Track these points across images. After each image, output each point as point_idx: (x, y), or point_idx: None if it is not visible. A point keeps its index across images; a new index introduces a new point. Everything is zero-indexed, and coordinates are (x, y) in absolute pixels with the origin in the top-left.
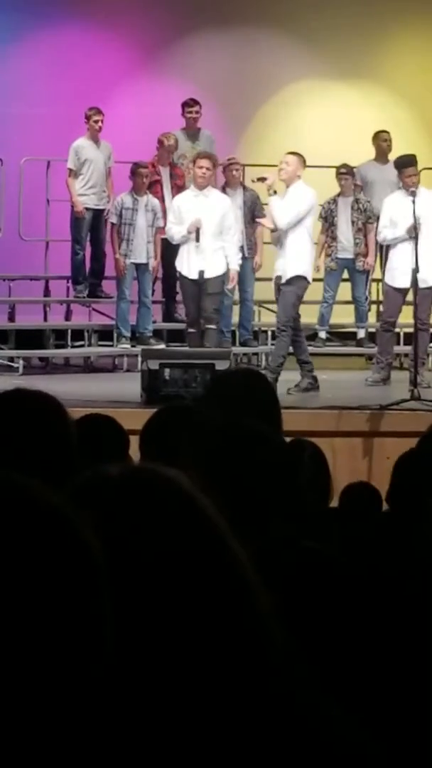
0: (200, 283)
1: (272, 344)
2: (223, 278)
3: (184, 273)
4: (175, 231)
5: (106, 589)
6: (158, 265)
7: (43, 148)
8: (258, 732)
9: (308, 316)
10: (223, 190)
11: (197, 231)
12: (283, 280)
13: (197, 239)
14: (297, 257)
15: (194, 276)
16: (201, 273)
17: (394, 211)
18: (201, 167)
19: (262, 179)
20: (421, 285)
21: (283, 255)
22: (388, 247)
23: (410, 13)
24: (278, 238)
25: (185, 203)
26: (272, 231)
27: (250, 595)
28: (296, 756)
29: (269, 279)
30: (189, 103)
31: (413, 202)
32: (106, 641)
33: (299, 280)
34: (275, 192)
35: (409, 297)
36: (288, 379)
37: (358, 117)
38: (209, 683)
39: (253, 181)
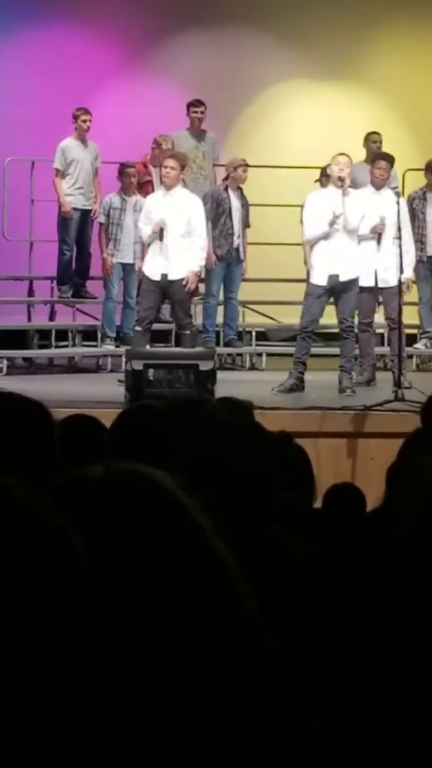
0: (162, 285)
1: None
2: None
3: (147, 273)
4: (144, 231)
5: (92, 593)
6: None
7: (27, 149)
8: (241, 732)
9: (291, 317)
10: (225, 189)
11: (161, 230)
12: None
13: (161, 238)
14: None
15: (157, 278)
16: (164, 275)
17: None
18: (167, 167)
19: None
20: (381, 285)
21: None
22: None
23: (397, 14)
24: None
25: (154, 203)
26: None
27: (235, 595)
28: (278, 756)
29: (256, 280)
30: (194, 104)
31: (397, 202)
32: (91, 644)
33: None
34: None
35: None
36: (277, 379)
37: (343, 118)
38: (193, 683)
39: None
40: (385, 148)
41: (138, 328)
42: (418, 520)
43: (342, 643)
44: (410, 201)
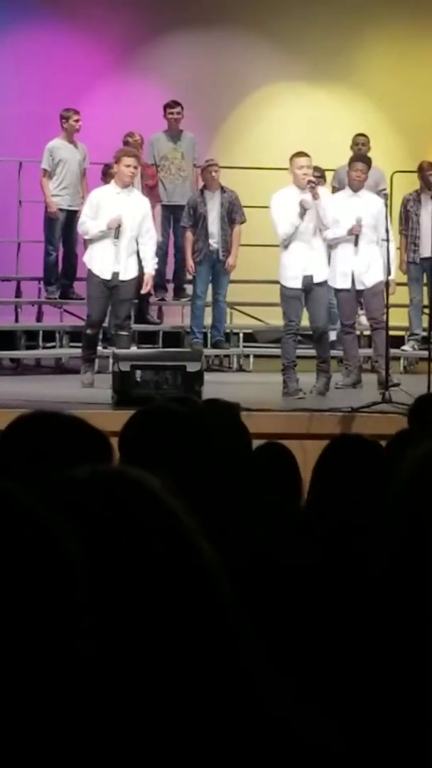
0: (112, 285)
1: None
2: (135, 283)
3: (96, 272)
4: (92, 225)
5: (85, 595)
6: None
7: (15, 149)
8: (227, 730)
9: (280, 318)
10: (202, 191)
11: (117, 228)
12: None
13: (116, 236)
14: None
15: (107, 276)
16: (115, 275)
17: (336, 211)
18: (128, 165)
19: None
20: (359, 287)
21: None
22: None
23: (384, 16)
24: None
25: (106, 199)
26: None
27: (219, 595)
28: (264, 753)
29: (243, 281)
30: (170, 105)
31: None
32: (84, 643)
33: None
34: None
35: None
36: (265, 381)
37: (331, 120)
38: (180, 682)
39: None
40: (373, 151)
41: (89, 332)
42: (401, 511)
43: (328, 642)
44: (404, 203)
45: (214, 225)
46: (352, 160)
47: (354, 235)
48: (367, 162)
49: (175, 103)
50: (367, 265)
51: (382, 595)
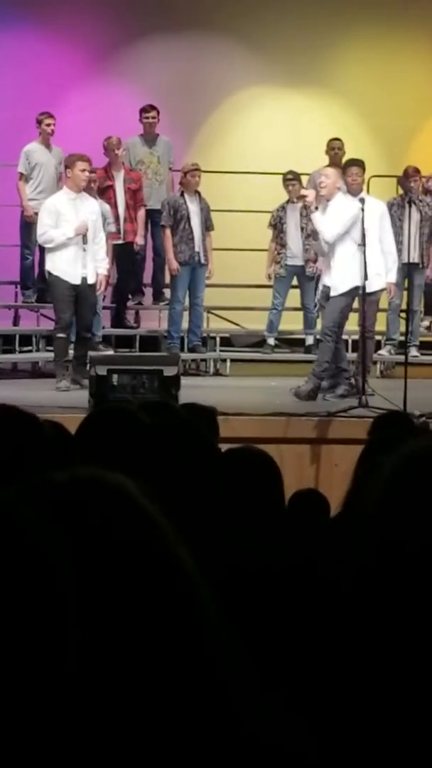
0: (80, 289)
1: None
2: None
3: (66, 277)
4: (56, 234)
5: (74, 603)
6: (110, 270)
7: None
8: (201, 732)
9: (257, 322)
10: (182, 194)
11: (84, 234)
12: (336, 293)
13: (85, 242)
14: (347, 269)
15: (77, 281)
16: (84, 279)
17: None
18: (84, 170)
19: (301, 197)
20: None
21: (333, 267)
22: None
23: (361, 20)
24: (323, 251)
25: (63, 205)
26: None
27: (196, 600)
28: (238, 755)
29: (220, 285)
30: (146, 109)
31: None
32: (71, 652)
33: (352, 291)
34: (316, 208)
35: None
36: (241, 385)
37: (308, 124)
38: (156, 686)
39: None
40: (349, 155)
41: (61, 335)
42: (375, 520)
43: (304, 647)
44: (389, 207)
45: (197, 228)
46: (347, 166)
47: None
48: (362, 165)
49: (150, 108)
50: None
51: (356, 603)
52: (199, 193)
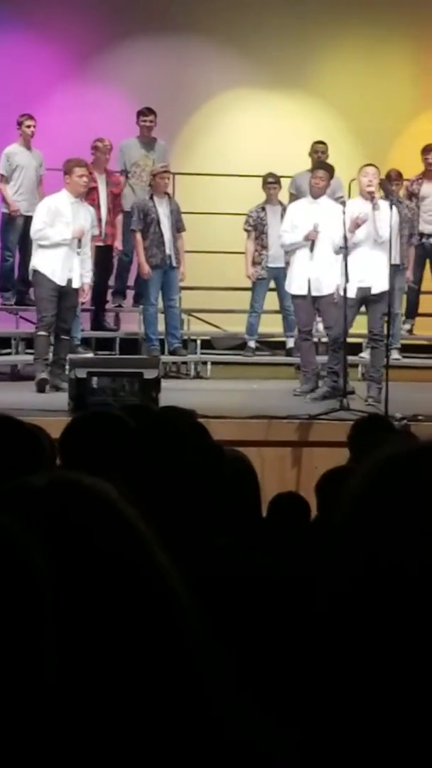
0: (64, 291)
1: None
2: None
3: (52, 277)
4: (52, 232)
5: (50, 607)
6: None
7: None
8: (180, 739)
9: (238, 325)
10: (152, 197)
11: (80, 239)
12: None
13: (79, 246)
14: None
15: (62, 282)
16: (69, 281)
17: (296, 216)
18: (81, 176)
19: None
20: (315, 293)
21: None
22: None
23: (344, 23)
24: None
25: (62, 207)
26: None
27: (175, 604)
28: (216, 763)
29: (201, 288)
30: (144, 112)
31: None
32: (48, 657)
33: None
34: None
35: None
36: (222, 388)
37: (289, 126)
38: (134, 690)
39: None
40: (332, 158)
41: (43, 333)
42: (347, 524)
43: (285, 654)
44: None
45: (167, 231)
46: (315, 168)
47: (310, 241)
48: (330, 170)
49: (148, 111)
50: (323, 272)
51: (327, 611)
52: (169, 195)
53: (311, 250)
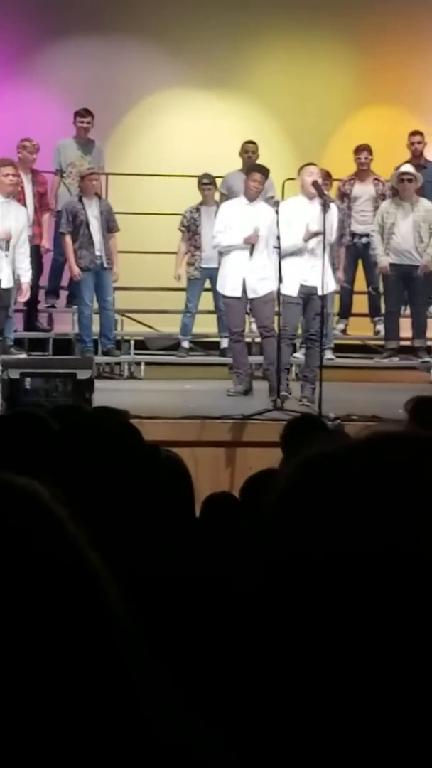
0: None
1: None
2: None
3: None
4: None
5: None
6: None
7: None
8: (108, 740)
9: (171, 325)
10: (80, 199)
11: (8, 241)
12: (325, 291)
13: (7, 248)
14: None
15: None
16: None
17: (230, 217)
18: (7, 175)
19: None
20: (251, 295)
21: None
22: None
23: (276, 24)
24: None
25: None
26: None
27: (107, 607)
28: (143, 762)
29: (134, 288)
30: (81, 113)
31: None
32: None
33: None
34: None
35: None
36: (156, 388)
37: (223, 127)
38: (63, 690)
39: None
40: (264, 158)
41: None
42: (272, 522)
43: (215, 653)
44: None
45: (96, 233)
46: (251, 170)
47: (250, 245)
48: (265, 173)
49: (86, 112)
50: (260, 274)
51: (254, 613)
52: (99, 196)
53: (250, 253)
